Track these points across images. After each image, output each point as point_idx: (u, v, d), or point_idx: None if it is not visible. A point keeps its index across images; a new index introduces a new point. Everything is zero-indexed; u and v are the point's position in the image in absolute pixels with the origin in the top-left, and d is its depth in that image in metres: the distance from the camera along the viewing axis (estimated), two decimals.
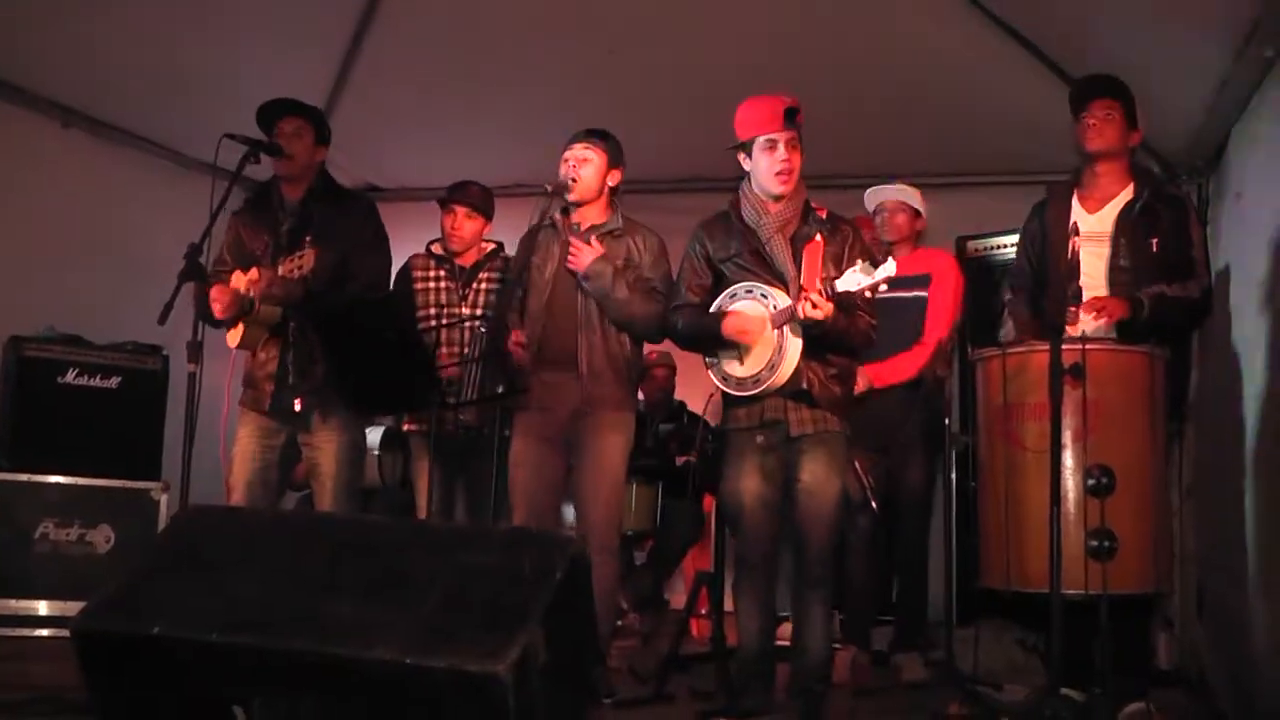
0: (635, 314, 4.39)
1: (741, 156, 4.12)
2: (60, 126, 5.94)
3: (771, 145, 4.04)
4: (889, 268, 3.74)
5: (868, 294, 3.84)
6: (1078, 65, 4.97)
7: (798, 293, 3.93)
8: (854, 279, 3.76)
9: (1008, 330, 4.55)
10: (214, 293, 4.41)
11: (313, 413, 4.52)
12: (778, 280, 4.04)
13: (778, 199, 4.08)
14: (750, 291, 4.04)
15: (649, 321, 4.40)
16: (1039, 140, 5.49)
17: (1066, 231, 3.97)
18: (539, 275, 4.49)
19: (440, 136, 6.39)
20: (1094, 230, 4.16)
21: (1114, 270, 4.18)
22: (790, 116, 4.02)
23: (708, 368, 4.19)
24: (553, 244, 4.50)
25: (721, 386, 4.13)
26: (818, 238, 4.03)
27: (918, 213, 5.28)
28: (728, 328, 4.02)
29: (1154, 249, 4.17)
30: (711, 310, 4.11)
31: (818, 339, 3.95)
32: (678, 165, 6.29)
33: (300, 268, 4.37)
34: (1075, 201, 4.33)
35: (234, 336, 4.56)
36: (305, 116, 4.63)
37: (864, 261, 3.82)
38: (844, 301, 3.87)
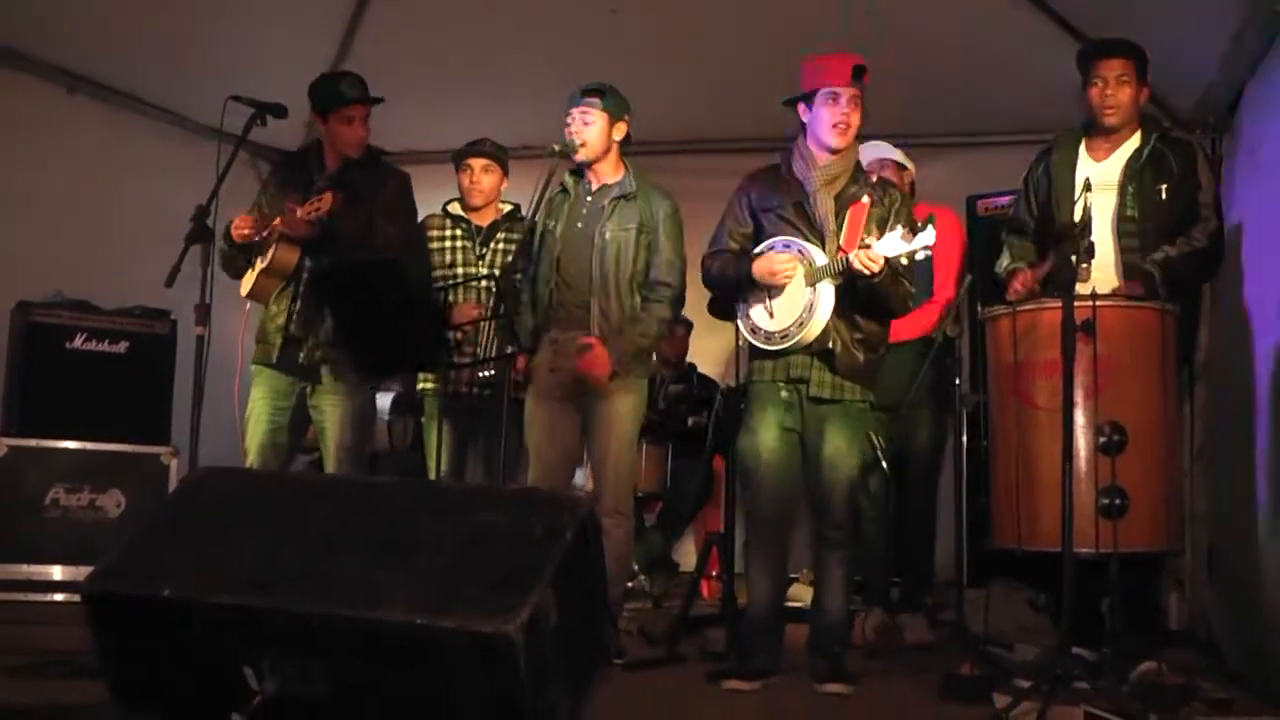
0: (660, 330, 4.47)
1: (801, 108, 4.12)
2: (66, 92, 5.92)
3: (834, 98, 4.03)
4: (928, 236, 3.74)
5: (904, 260, 3.83)
6: (1088, 21, 4.93)
7: (835, 250, 3.93)
8: (892, 244, 3.76)
9: (1004, 265, 4.45)
10: (239, 219, 4.45)
11: (322, 369, 4.51)
12: (816, 236, 4.03)
13: (832, 152, 4.07)
14: (788, 245, 4.04)
15: (673, 312, 4.47)
16: (1049, 98, 5.41)
17: (1073, 179, 3.91)
18: (550, 237, 4.49)
19: (445, 99, 6.36)
20: (1101, 179, 4.08)
21: (1121, 220, 4.12)
22: (857, 74, 4.02)
23: (736, 318, 4.18)
24: (563, 205, 4.48)
25: (749, 339, 4.13)
26: (865, 199, 4.03)
27: (901, 166, 5.16)
28: (758, 269, 4.02)
29: (1162, 196, 4.10)
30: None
31: (860, 296, 3.96)
32: (682, 126, 6.21)
33: (318, 209, 4.34)
34: (1082, 149, 4.28)
35: (247, 283, 4.56)
36: (369, 104, 4.61)
37: (904, 228, 3.81)
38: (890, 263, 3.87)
